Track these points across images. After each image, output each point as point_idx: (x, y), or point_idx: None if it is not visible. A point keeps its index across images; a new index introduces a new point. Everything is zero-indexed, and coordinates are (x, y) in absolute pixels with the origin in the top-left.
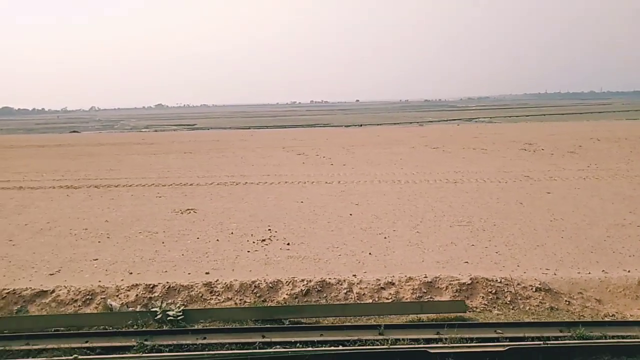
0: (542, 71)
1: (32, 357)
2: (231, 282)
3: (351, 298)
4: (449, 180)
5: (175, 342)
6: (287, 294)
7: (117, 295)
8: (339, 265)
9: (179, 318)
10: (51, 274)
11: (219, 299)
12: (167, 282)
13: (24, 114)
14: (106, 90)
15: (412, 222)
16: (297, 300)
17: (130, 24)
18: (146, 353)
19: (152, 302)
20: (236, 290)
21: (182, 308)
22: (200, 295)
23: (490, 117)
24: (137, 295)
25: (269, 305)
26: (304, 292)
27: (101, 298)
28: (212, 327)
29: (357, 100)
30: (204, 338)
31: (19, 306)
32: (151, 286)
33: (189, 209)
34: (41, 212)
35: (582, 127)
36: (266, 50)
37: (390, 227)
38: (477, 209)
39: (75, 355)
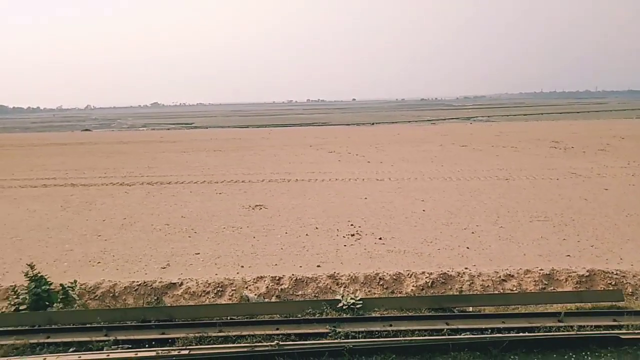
0: (537, 70)
1: (231, 343)
2: (355, 274)
3: (475, 289)
4: (499, 177)
5: (365, 329)
6: (413, 286)
7: (247, 287)
8: (445, 259)
9: (357, 306)
10: (163, 268)
11: (347, 290)
12: (293, 274)
13: (19, 112)
14: (101, 88)
15: (489, 217)
16: (423, 291)
17: (126, 22)
18: (342, 339)
19: (283, 293)
20: (362, 282)
21: (360, 297)
22: (327, 286)
23: (489, 116)
24: (267, 287)
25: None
26: (429, 284)
27: (232, 290)
28: (393, 315)
29: (354, 99)
30: (390, 325)
31: (154, 297)
32: (277, 278)
33: (257, 205)
34: (110, 208)
35: (599, 126)
36: (263, 49)
37: (470, 222)
38: (545, 205)
39: (277, 342)
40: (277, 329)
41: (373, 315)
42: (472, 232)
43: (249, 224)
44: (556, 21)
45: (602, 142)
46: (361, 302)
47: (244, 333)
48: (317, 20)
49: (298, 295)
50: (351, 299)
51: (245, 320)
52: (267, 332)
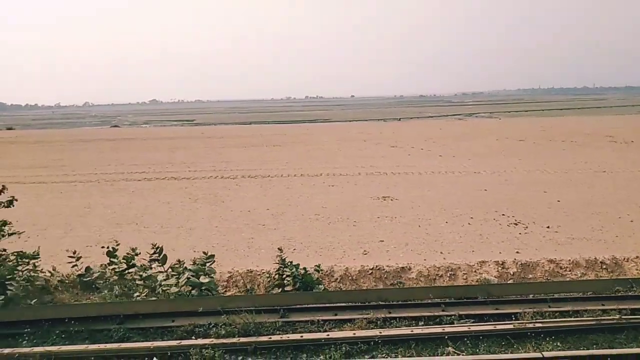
0: (534, 67)
1: (562, 317)
2: (575, 259)
3: None
4: (595, 170)
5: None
6: (635, 270)
7: (474, 271)
8: (632, 245)
9: None
10: (364, 254)
11: (576, 274)
12: (515, 259)
13: (17, 109)
14: (99, 85)
15: (633, 208)
16: None
17: (124, 20)
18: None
19: (515, 276)
20: (584, 267)
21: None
22: (553, 270)
23: (490, 112)
24: (497, 270)
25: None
26: None
27: (463, 273)
28: None
29: (352, 96)
30: None
31: (396, 279)
32: (501, 262)
33: (385, 197)
34: (240, 200)
35: (632, 121)
36: (260, 46)
37: (619, 212)
38: None
39: (620, 316)
40: (603, 305)
41: None
42: (631, 221)
43: (399, 215)
44: (553, 18)
45: None
46: None
47: (576, 308)
48: (314, 18)
49: (529, 278)
50: None
51: (568, 297)
52: (593, 308)
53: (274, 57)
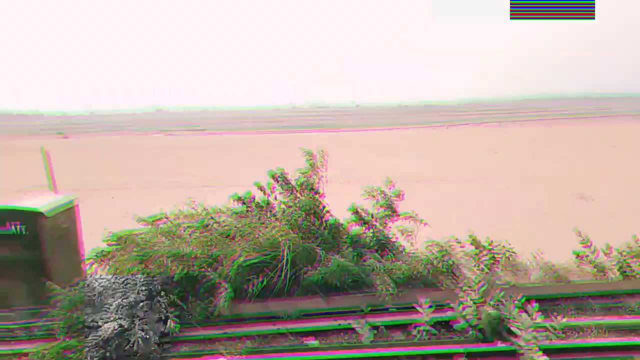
0: (534, 73)
1: None
2: None
3: None
4: None
5: None
6: None
7: None
8: None
9: None
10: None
11: None
12: None
13: (23, 117)
14: (102, 92)
15: None
16: None
17: (116, 21)
18: None
19: None
20: None
21: None
22: None
23: (499, 122)
24: None
25: None
26: None
27: None
28: None
29: (354, 102)
30: None
31: None
32: None
33: (578, 194)
34: (465, 204)
35: None
36: (261, 48)
37: None
38: None
39: None
40: None
41: None
42: None
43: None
44: (550, 22)
45: None
46: None
47: None
48: (310, 19)
49: None
50: None
51: None
52: None
53: (274, 60)
